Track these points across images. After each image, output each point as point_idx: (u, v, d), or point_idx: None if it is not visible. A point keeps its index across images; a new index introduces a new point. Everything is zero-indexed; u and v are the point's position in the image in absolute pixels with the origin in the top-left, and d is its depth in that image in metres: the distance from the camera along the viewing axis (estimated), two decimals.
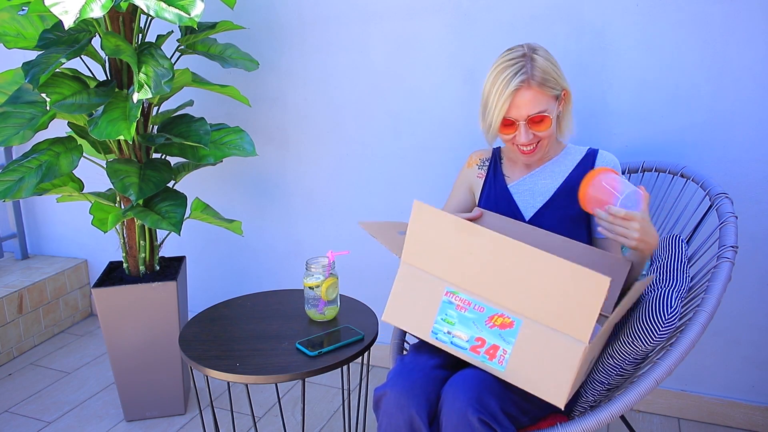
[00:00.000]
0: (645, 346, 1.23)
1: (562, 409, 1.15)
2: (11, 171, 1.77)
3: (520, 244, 1.14)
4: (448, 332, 1.23)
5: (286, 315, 1.65)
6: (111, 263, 2.21)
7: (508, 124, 1.44)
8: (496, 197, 1.55)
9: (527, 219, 1.50)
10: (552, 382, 1.13)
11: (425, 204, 1.22)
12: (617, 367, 1.30)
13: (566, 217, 1.47)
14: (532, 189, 1.53)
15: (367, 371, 1.67)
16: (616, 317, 1.19)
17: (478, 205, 1.58)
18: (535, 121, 1.42)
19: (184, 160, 2.21)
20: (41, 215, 2.99)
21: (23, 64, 1.64)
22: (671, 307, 1.21)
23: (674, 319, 1.20)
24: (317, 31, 2.23)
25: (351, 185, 2.33)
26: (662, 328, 1.20)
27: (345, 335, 1.51)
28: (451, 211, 1.60)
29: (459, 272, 1.21)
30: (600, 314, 1.13)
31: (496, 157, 1.62)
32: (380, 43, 2.15)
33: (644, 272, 1.53)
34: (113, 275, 2.11)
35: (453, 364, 1.28)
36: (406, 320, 1.28)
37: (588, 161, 1.53)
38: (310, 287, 1.58)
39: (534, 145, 1.45)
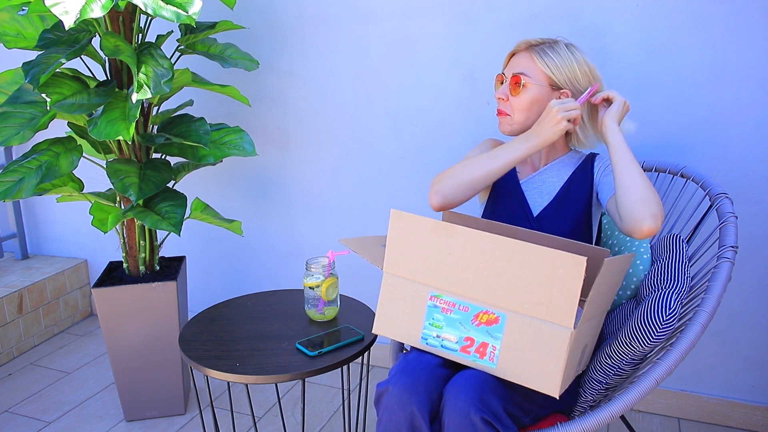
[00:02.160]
0: (642, 347, 1.23)
1: (558, 398, 1.15)
2: (11, 171, 1.77)
3: (495, 236, 1.15)
4: (437, 336, 1.23)
5: (286, 315, 1.65)
6: (111, 263, 2.21)
7: (500, 80, 1.54)
8: (507, 191, 1.56)
9: (535, 215, 1.51)
10: (544, 373, 1.14)
11: (402, 212, 1.24)
12: (615, 367, 1.30)
13: (569, 216, 1.49)
14: (541, 187, 1.54)
15: (367, 371, 1.67)
16: (599, 296, 1.19)
17: (491, 194, 1.60)
18: (512, 81, 1.48)
19: (184, 160, 2.21)
20: (41, 215, 2.99)
21: (23, 64, 1.64)
22: (670, 309, 1.21)
23: (672, 321, 1.20)
24: (317, 31, 2.23)
25: (351, 185, 2.33)
26: (659, 330, 1.20)
27: (345, 335, 1.51)
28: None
29: (441, 275, 1.22)
30: (582, 299, 1.13)
31: None
32: (380, 43, 2.15)
33: (643, 268, 1.53)
34: (113, 275, 2.11)
35: (456, 363, 1.28)
36: (395, 330, 1.29)
37: (587, 164, 1.55)
38: (310, 287, 1.58)
39: (505, 113, 1.51)
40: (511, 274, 1.14)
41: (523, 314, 1.15)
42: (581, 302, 1.14)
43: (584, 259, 1.07)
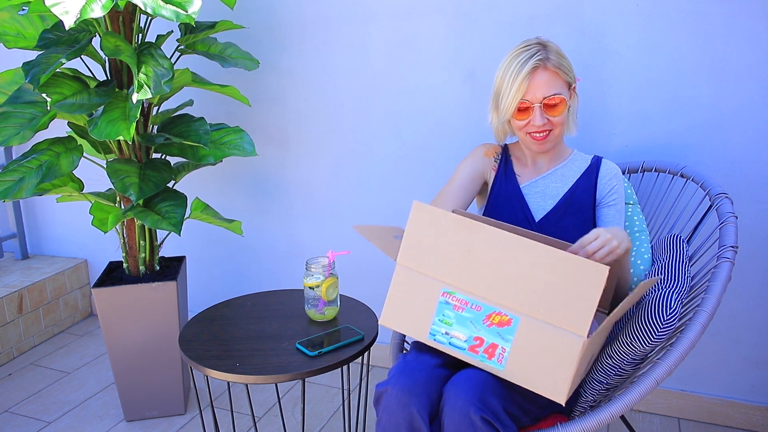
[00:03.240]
0: (643, 347, 1.23)
1: (563, 405, 1.15)
2: (11, 171, 1.77)
3: (519, 238, 1.14)
4: (446, 333, 1.22)
5: (286, 315, 1.65)
6: (111, 263, 2.21)
7: (522, 108, 1.44)
8: (508, 195, 1.54)
9: (537, 220, 1.50)
10: (551, 379, 1.13)
11: (425, 204, 1.22)
12: (616, 367, 1.30)
13: (573, 222, 1.48)
14: (544, 191, 1.53)
15: (367, 371, 1.67)
16: (617, 316, 1.19)
17: (489, 199, 1.58)
18: (549, 104, 1.42)
19: (184, 160, 2.21)
20: (41, 215, 2.99)
21: (23, 64, 1.64)
22: (670, 309, 1.21)
23: (673, 321, 1.20)
24: (317, 31, 2.23)
25: (351, 185, 2.33)
26: (660, 329, 1.20)
27: (345, 335, 1.51)
28: (452, 197, 1.58)
29: (456, 271, 1.21)
30: (597, 310, 1.13)
31: (506, 154, 1.62)
32: (380, 43, 2.15)
33: (644, 268, 1.53)
34: (113, 275, 2.11)
35: (455, 363, 1.28)
36: (403, 323, 1.27)
37: (593, 171, 1.53)
38: (310, 287, 1.58)
39: (547, 132, 1.45)
40: (530, 278, 1.13)
41: (537, 319, 1.14)
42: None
43: (607, 268, 1.06)
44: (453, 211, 1.48)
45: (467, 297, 1.20)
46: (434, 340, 1.24)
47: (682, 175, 1.70)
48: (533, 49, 1.43)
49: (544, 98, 1.41)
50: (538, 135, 1.45)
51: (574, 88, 1.49)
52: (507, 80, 1.43)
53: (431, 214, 1.22)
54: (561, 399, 1.13)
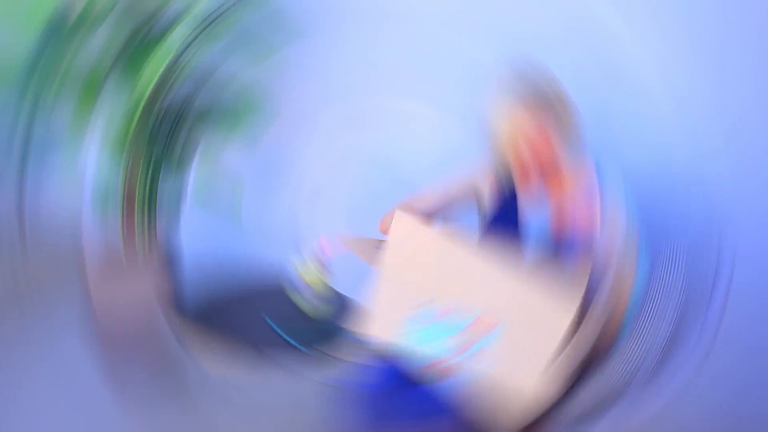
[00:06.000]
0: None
1: (554, 404, 1.16)
2: None
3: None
4: (431, 341, 1.23)
5: (283, 312, 1.65)
6: (110, 257, 2.20)
7: None
8: None
9: None
10: (540, 380, 1.14)
11: (407, 214, 1.26)
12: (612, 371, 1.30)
13: None
14: None
15: (366, 371, 1.67)
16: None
17: None
18: None
19: None
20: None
21: None
22: None
23: None
24: (317, 31, 2.22)
25: (351, 185, 2.33)
26: None
27: (339, 332, 1.51)
28: None
29: (438, 280, 1.23)
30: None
31: None
32: (380, 43, 2.14)
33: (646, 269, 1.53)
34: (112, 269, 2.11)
35: None
36: (388, 332, 1.29)
37: None
38: (303, 276, 1.57)
39: None
40: (511, 282, 1.15)
41: (520, 321, 1.15)
42: None
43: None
44: None
45: (450, 304, 1.22)
46: (420, 348, 1.25)
47: (681, 176, 1.70)
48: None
49: None
50: None
51: None
52: None
53: (413, 225, 1.24)
54: (551, 399, 1.13)
